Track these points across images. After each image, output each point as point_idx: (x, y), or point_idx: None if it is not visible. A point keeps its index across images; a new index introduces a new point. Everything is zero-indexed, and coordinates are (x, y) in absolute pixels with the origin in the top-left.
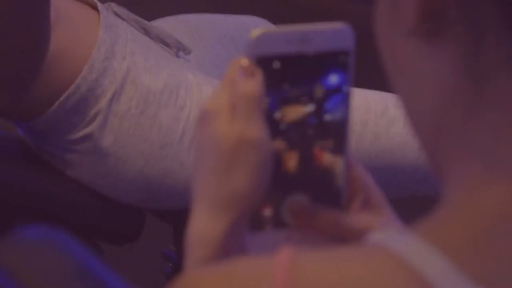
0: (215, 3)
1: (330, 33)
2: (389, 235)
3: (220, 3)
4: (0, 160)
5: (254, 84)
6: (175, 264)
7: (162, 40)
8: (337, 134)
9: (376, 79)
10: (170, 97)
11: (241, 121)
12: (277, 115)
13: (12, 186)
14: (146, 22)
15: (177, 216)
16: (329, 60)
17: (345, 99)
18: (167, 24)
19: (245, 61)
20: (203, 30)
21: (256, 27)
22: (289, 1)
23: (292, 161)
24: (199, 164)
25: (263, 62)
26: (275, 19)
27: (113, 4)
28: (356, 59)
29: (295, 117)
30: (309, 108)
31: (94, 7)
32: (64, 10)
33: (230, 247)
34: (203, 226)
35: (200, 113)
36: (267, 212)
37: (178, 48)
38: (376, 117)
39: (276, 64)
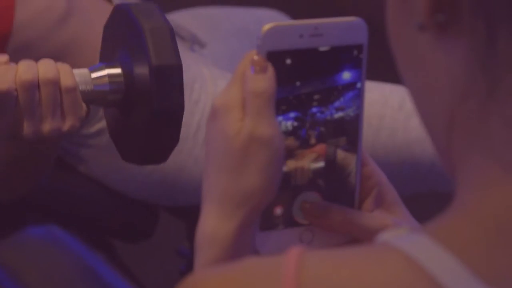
0: None
1: (343, 27)
2: (399, 235)
3: None
4: None
5: (265, 80)
6: (189, 261)
7: (177, 33)
8: (350, 131)
9: (393, 72)
10: (185, 91)
11: (252, 118)
12: (289, 111)
13: None
14: None
15: (191, 213)
16: (342, 55)
17: (358, 95)
18: (182, 17)
19: (256, 56)
20: (218, 24)
21: (272, 20)
22: None
23: (304, 159)
24: (209, 161)
25: (275, 57)
26: (293, 13)
27: None
28: (373, 51)
29: (306, 113)
30: (321, 104)
31: (109, 0)
32: (79, 2)
33: (240, 246)
34: (213, 225)
35: (211, 109)
36: (279, 211)
37: (193, 42)
38: (393, 111)
39: (288, 59)
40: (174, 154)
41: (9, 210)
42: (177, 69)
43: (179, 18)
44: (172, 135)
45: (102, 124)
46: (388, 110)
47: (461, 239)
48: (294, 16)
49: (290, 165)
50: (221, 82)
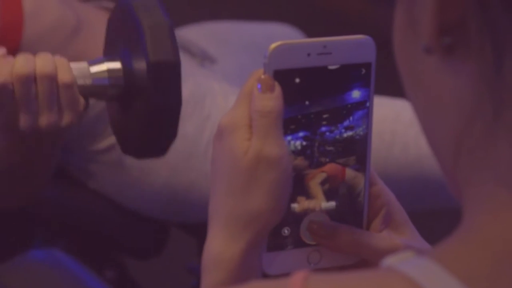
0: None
1: (352, 45)
2: (404, 259)
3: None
4: None
5: (272, 99)
6: (199, 278)
7: (187, 49)
8: (359, 150)
9: (402, 87)
10: (195, 107)
11: (259, 138)
12: (297, 131)
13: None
14: None
15: (202, 229)
16: (350, 73)
17: (367, 114)
18: (192, 33)
19: (263, 75)
20: (229, 38)
21: (284, 35)
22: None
23: (312, 179)
24: (215, 181)
25: (282, 75)
26: (305, 27)
27: None
28: (384, 65)
29: (315, 133)
30: (330, 123)
31: None
32: (86, 16)
33: (247, 268)
34: (219, 247)
35: (217, 128)
36: (286, 231)
37: (203, 58)
38: (405, 127)
39: (296, 78)
40: (184, 170)
41: (18, 226)
42: (175, 65)
43: (189, 33)
44: (170, 130)
45: (112, 140)
46: (400, 126)
47: (467, 264)
48: (305, 30)
49: (300, 185)
50: (232, 98)
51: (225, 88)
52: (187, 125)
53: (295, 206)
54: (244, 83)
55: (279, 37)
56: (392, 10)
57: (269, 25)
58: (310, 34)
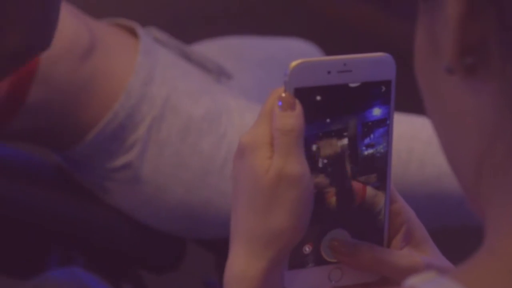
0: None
1: (372, 63)
2: (426, 279)
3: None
4: (37, 186)
5: (293, 117)
6: None
7: (203, 65)
8: (380, 168)
9: (422, 104)
10: (211, 124)
11: (280, 156)
12: (317, 149)
13: (49, 212)
14: (186, 46)
15: (219, 245)
16: (370, 91)
17: (387, 132)
18: (208, 48)
19: (284, 93)
20: (245, 54)
21: (300, 50)
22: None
23: (333, 197)
24: (237, 199)
25: (302, 93)
26: (320, 41)
27: (153, 29)
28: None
29: (336, 151)
30: (351, 141)
31: (133, 32)
32: (100, 35)
33: (268, 286)
34: (241, 265)
35: (238, 146)
36: (308, 249)
37: (219, 73)
38: (423, 145)
39: (316, 96)
40: (200, 188)
41: (36, 243)
42: None
43: (205, 49)
44: None
45: (127, 158)
46: (418, 144)
47: (489, 286)
48: (319, 43)
49: (319, 202)
50: (248, 115)
51: (242, 105)
52: (203, 142)
53: (316, 223)
54: (265, 100)
55: (295, 51)
56: (405, 23)
57: (285, 40)
58: (324, 48)
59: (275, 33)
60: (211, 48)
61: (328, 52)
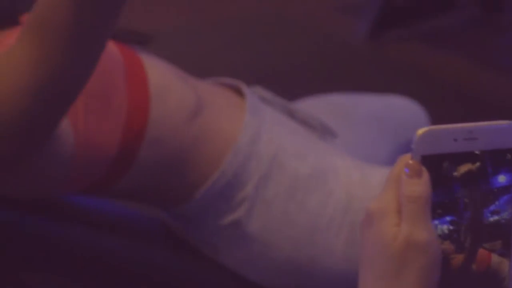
0: (353, 81)
1: (497, 131)
2: None
3: (360, 81)
4: (145, 242)
5: (421, 185)
6: None
7: (307, 123)
8: (504, 234)
9: None
10: (318, 181)
11: (408, 223)
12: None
13: (155, 268)
14: (291, 104)
15: None
16: (496, 159)
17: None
18: (311, 106)
19: (411, 161)
20: (347, 111)
21: (404, 107)
22: (432, 78)
23: (458, 263)
24: (366, 266)
25: (429, 160)
26: (421, 99)
27: (258, 88)
28: None
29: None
30: (476, 207)
31: (238, 91)
32: (207, 96)
33: None
34: None
35: (365, 213)
36: None
37: (323, 131)
38: None
39: (443, 163)
40: (307, 245)
41: None
42: None
43: (308, 106)
44: None
45: (235, 216)
46: None
47: None
48: (423, 102)
49: (445, 268)
50: (354, 172)
51: (348, 163)
52: (310, 200)
53: None
54: (370, 153)
55: (399, 109)
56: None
57: (387, 97)
58: (426, 107)
59: (373, 90)
60: (314, 106)
61: (429, 110)
